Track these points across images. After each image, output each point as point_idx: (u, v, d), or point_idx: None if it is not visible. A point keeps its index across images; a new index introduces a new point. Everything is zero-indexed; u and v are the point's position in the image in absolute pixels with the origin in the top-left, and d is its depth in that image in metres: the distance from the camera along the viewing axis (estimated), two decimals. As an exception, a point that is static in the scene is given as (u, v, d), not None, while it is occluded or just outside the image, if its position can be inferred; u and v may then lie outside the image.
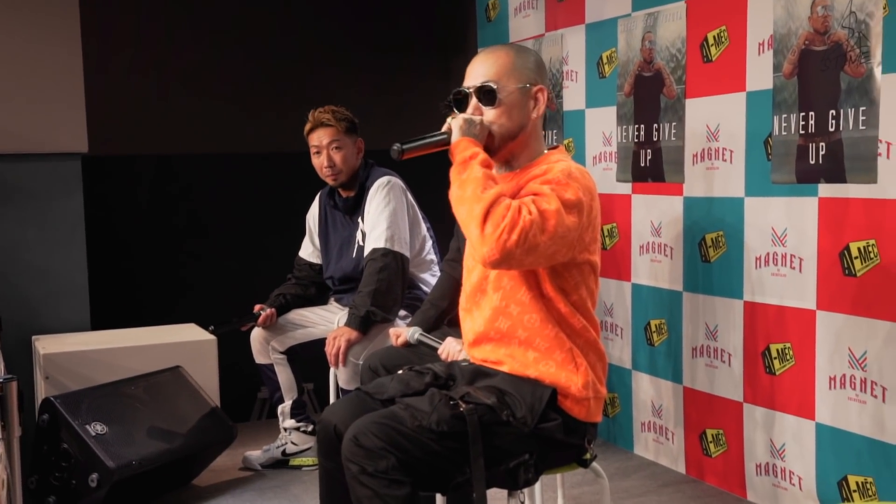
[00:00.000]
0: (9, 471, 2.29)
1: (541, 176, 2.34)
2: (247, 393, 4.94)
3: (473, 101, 2.43)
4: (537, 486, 2.89)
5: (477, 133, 2.39)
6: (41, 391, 3.80)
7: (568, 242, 2.29)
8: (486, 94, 2.41)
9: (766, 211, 3.32)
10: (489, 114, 2.42)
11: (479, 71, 2.44)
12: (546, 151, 2.49)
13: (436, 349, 3.09)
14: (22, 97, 4.20)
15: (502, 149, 2.45)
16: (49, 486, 3.38)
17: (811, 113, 3.10)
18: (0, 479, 2.29)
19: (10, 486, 2.23)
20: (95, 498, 3.31)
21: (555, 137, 4.38)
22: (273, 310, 3.87)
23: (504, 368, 2.42)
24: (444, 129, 2.42)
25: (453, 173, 2.34)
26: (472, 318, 2.51)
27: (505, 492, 2.46)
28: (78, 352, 3.89)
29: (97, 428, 3.37)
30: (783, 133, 3.21)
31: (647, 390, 3.97)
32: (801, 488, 3.24)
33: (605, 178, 4.04)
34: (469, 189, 2.27)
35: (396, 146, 2.41)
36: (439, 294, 3.40)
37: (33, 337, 4.18)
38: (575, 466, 2.51)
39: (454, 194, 2.32)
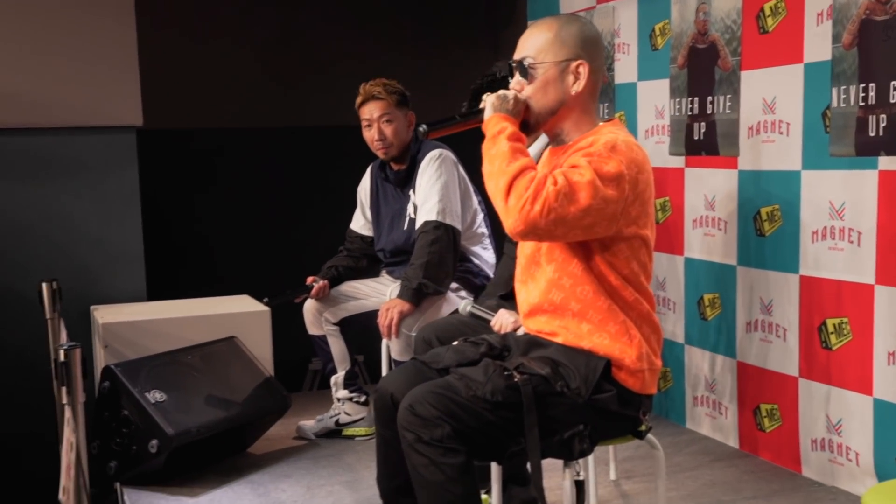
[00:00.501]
0: (77, 434, 2.35)
1: (584, 148, 2.34)
2: (298, 364, 5.01)
3: (516, 75, 2.45)
4: (590, 458, 2.91)
5: (510, 108, 2.40)
6: (100, 360, 3.88)
7: (607, 216, 2.28)
8: (522, 70, 2.43)
9: (823, 184, 3.28)
10: (526, 89, 2.44)
11: (522, 45, 2.46)
12: (600, 124, 2.48)
13: (488, 321, 3.10)
14: (78, 71, 4.27)
15: (543, 123, 2.46)
16: (110, 451, 3.46)
17: (871, 84, 3.05)
18: (70, 442, 2.35)
19: (78, 449, 2.29)
20: (155, 463, 3.38)
21: (606, 111, 4.35)
22: (326, 282, 3.91)
23: (558, 340, 2.43)
24: (480, 105, 2.45)
25: (483, 149, 2.38)
26: (526, 289, 2.52)
27: (560, 462, 2.47)
28: (135, 321, 3.97)
29: (156, 395, 3.44)
30: (842, 105, 3.16)
31: (700, 365, 3.95)
32: (858, 464, 3.22)
33: (658, 151, 4.01)
34: (496, 163, 2.30)
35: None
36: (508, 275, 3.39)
37: (91, 307, 4.27)
38: (630, 438, 2.51)
39: (484, 169, 2.36)
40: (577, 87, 2.42)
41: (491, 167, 2.31)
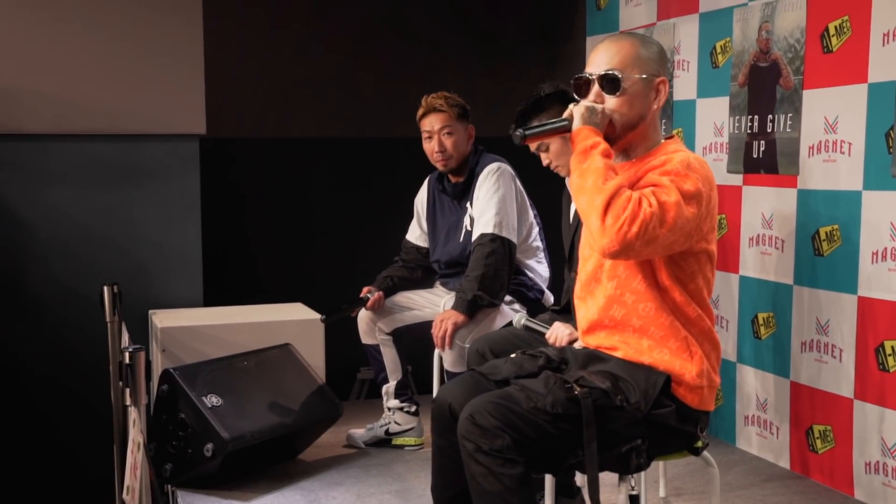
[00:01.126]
0: (144, 433, 2.40)
1: (660, 167, 2.35)
2: (347, 373, 5.05)
3: (595, 87, 2.44)
4: (643, 474, 2.90)
5: (598, 121, 2.40)
6: (157, 363, 3.94)
7: (686, 233, 2.31)
8: (610, 82, 2.42)
9: (884, 205, 3.26)
10: (611, 102, 2.43)
11: (603, 58, 2.45)
12: (662, 141, 2.50)
13: (543, 334, 3.12)
14: (144, 80, 4.37)
15: (622, 138, 2.46)
16: (166, 453, 3.51)
17: (937, 106, 3.03)
18: (136, 443, 2.40)
19: (144, 449, 2.34)
20: (210, 467, 3.43)
21: (664, 127, 4.35)
22: (381, 293, 3.94)
23: (618, 354, 2.44)
24: (565, 114, 2.44)
25: (574, 162, 2.36)
26: (585, 306, 2.54)
27: (612, 477, 2.47)
28: (192, 326, 4.03)
29: (213, 400, 3.49)
30: (906, 126, 3.14)
31: (752, 384, 3.93)
32: (913, 488, 3.19)
33: (716, 168, 4.00)
34: (590, 179, 2.29)
35: (519, 132, 2.44)
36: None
37: (150, 311, 4.34)
38: (686, 454, 2.52)
39: (574, 183, 2.35)
40: (658, 104, 2.46)
41: (583, 182, 2.31)
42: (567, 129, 2.42)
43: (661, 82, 2.45)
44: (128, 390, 2.68)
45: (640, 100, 2.44)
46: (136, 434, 2.47)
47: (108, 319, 3.83)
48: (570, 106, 2.45)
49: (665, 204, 2.26)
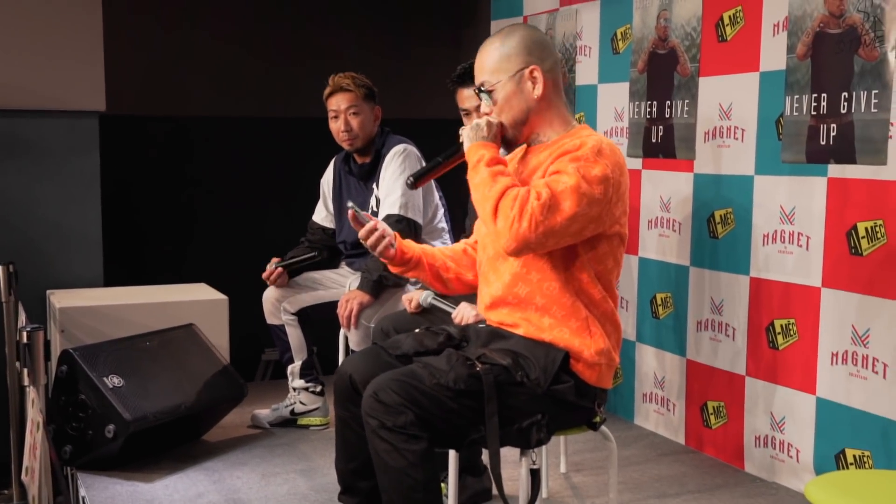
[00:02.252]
0: (43, 414, 2.36)
1: (572, 151, 2.41)
2: (252, 354, 5.03)
3: (482, 100, 2.55)
4: (543, 449, 2.98)
5: (486, 134, 2.50)
6: (56, 344, 3.86)
7: (593, 218, 2.38)
8: (485, 94, 2.53)
9: (775, 189, 3.39)
10: (494, 110, 2.53)
11: (477, 71, 2.56)
12: (575, 125, 2.56)
13: (449, 313, 3.17)
14: (42, 54, 4.25)
15: (521, 133, 2.55)
16: (66, 435, 3.45)
17: (823, 94, 3.17)
18: (35, 423, 2.37)
19: (42, 430, 2.31)
20: (111, 449, 3.39)
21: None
22: (283, 271, 3.92)
23: (519, 331, 2.50)
24: (459, 140, 2.56)
25: (468, 180, 2.47)
26: (488, 283, 2.59)
27: (514, 454, 2.53)
28: (92, 306, 3.97)
29: (114, 380, 3.45)
30: (795, 113, 3.27)
31: (650, 362, 4.05)
32: (798, 460, 3.34)
33: (616, 153, 4.10)
34: (480, 191, 2.41)
35: (409, 180, 2.59)
36: None
37: (48, 291, 4.25)
38: (585, 429, 2.59)
39: (473, 198, 2.46)
40: (538, 91, 2.50)
41: (476, 195, 2.41)
42: (460, 153, 2.54)
43: (532, 71, 2.50)
44: (25, 370, 2.64)
45: (516, 97, 2.50)
46: (34, 414, 2.44)
47: (3, 300, 3.75)
48: (460, 130, 2.55)
49: (559, 193, 2.32)
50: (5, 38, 4.20)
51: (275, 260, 3.91)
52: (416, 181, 2.59)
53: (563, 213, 2.32)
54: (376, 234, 2.61)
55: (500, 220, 2.33)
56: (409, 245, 2.70)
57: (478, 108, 2.74)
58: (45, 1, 4.24)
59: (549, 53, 2.55)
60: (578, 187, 2.33)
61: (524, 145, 2.58)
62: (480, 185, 2.40)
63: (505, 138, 2.54)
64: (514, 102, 2.50)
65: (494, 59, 2.51)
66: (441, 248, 2.79)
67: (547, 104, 2.53)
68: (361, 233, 2.61)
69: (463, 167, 2.52)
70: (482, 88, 2.53)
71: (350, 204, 2.64)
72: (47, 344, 2.60)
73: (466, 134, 2.51)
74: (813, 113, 3.21)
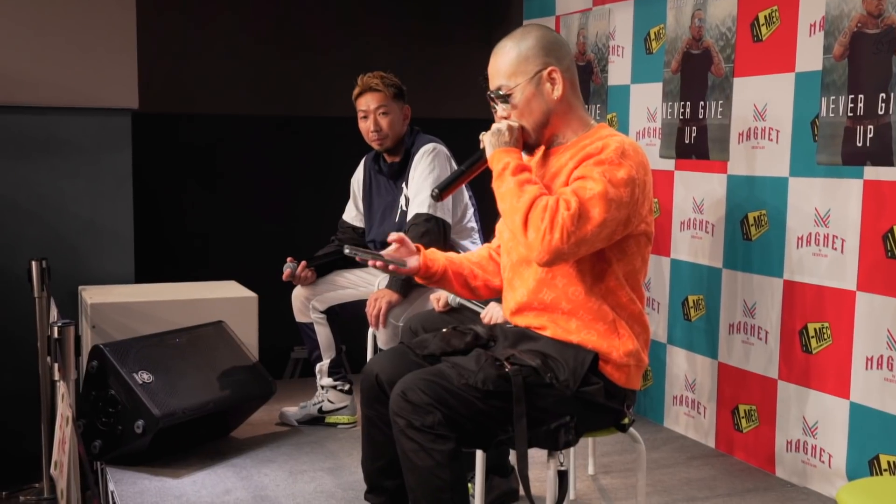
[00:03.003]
0: (73, 409, 2.37)
1: (596, 154, 2.38)
2: (281, 351, 5.04)
3: (499, 104, 2.51)
4: (571, 451, 2.96)
5: (508, 140, 2.47)
6: (87, 339, 3.89)
7: (622, 221, 2.36)
8: (502, 98, 2.49)
9: (809, 192, 3.35)
10: (513, 114, 2.49)
11: (492, 73, 2.52)
12: (594, 124, 2.54)
13: (478, 313, 3.15)
14: (75, 52, 4.29)
15: (543, 135, 2.53)
16: (95, 430, 3.48)
17: (860, 95, 3.12)
18: (64, 417, 2.38)
19: (72, 424, 2.32)
20: (140, 444, 3.40)
21: (599, 112, 4.41)
22: (312, 270, 3.92)
23: (547, 333, 2.48)
24: (480, 146, 2.52)
25: (494, 188, 2.44)
26: (513, 288, 2.57)
27: (542, 455, 2.52)
28: (123, 303, 3.99)
29: (144, 376, 3.46)
30: (830, 115, 3.23)
31: (681, 365, 4.01)
32: (830, 465, 3.29)
33: (649, 153, 4.03)
34: (507, 201, 2.37)
35: (435, 191, 2.56)
36: None
37: (80, 287, 4.28)
38: (613, 431, 2.57)
39: (500, 208, 2.44)
40: (558, 92, 2.48)
41: (504, 205, 2.39)
42: (483, 159, 2.51)
43: (551, 72, 2.46)
44: (56, 365, 2.66)
45: (537, 99, 2.47)
46: (64, 409, 2.45)
47: (36, 295, 3.78)
48: (481, 135, 2.51)
49: (587, 201, 2.30)
50: (39, 35, 4.24)
51: (290, 261, 3.91)
52: (441, 192, 2.56)
53: (594, 221, 2.30)
54: (379, 264, 2.61)
55: (530, 232, 2.31)
56: (435, 258, 2.66)
57: None
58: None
59: (565, 53, 2.52)
60: (606, 193, 2.31)
61: (543, 147, 2.55)
62: (507, 195, 2.37)
63: (526, 142, 2.51)
64: (535, 105, 2.48)
65: (511, 61, 2.47)
66: (467, 256, 2.77)
67: (566, 105, 2.50)
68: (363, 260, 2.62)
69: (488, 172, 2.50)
70: (500, 93, 2.49)
71: (347, 251, 2.60)
72: (78, 339, 2.62)
73: (488, 140, 2.48)
74: (849, 114, 3.16)
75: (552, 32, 2.57)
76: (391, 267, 2.62)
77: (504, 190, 2.39)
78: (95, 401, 3.48)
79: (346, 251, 2.59)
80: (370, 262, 2.61)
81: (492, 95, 2.52)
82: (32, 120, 4.29)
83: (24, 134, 4.30)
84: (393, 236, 2.64)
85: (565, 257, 2.33)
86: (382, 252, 2.67)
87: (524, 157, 2.52)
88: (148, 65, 4.54)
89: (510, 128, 2.47)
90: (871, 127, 3.08)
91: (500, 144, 2.45)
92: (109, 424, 3.46)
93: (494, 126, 2.49)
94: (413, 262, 2.64)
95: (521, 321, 2.54)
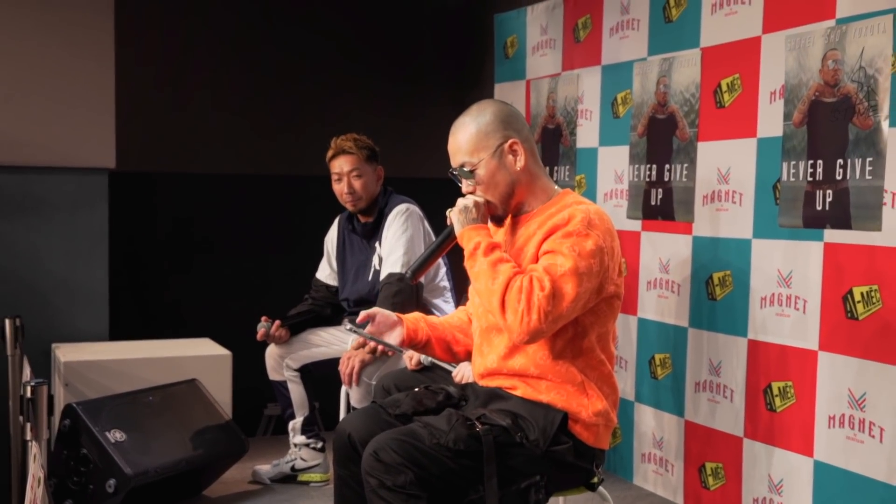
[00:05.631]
0: (45, 469, 2.39)
1: (562, 226, 2.43)
2: (253, 409, 5.05)
3: (463, 180, 2.57)
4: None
5: (475, 216, 2.53)
6: (60, 398, 3.89)
7: (593, 289, 2.42)
8: (467, 175, 2.55)
9: (772, 253, 3.44)
10: (478, 189, 2.55)
11: (453, 153, 2.57)
12: (558, 190, 2.61)
13: (450, 371, 3.20)
14: (54, 112, 4.34)
15: (509, 205, 2.58)
16: (67, 490, 3.47)
17: (819, 161, 3.23)
18: (36, 478, 2.39)
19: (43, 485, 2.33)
20: (112, 503, 3.40)
21: (568, 173, 4.51)
22: (286, 329, 3.96)
23: (517, 393, 2.53)
24: (448, 222, 2.58)
25: (466, 267, 2.50)
26: (482, 354, 2.61)
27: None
28: (97, 361, 4.00)
29: (116, 435, 3.47)
30: (792, 179, 3.33)
31: (649, 422, 4.07)
32: (796, 523, 3.34)
33: (616, 214, 4.16)
34: (481, 281, 2.44)
35: (408, 273, 2.62)
36: None
37: (53, 344, 4.29)
38: (583, 489, 2.61)
39: (473, 286, 2.50)
40: (520, 163, 2.54)
41: (478, 284, 2.45)
42: (452, 237, 2.57)
43: (512, 144, 2.53)
44: (29, 425, 2.66)
45: (501, 172, 2.53)
46: (36, 469, 2.45)
47: (9, 353, 3.77)
48: (448, 212, 2.57)
49: (560, 279, 2.36)
50: (17, 95, 4.29)
51: (264, 320, 3.94)
52: (414, 273, 2.62)
53: (568, 297, 2.36)
54: (380, 348, 2.68)
55: (508, 315, 2.37)
56: (418, 328, 2.70)
57: None
58: (56, 58, 4.34)
59: (522, 124, 2.59)
60: (577, 269, 2.37)
61: (510, 216, 2.61)
62: (482, 276, 2.43)
63: (494, 215, 2.57)
64: (499, 178, 2.53)
65: (472, 137, 2.53)
66: (448, 319, 2.81)
67: (529, 175, 2.56)
68: (355, 343, 2.66)
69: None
70: (464, 169, 2.53)
71: (348, 327, 2.64)
72: (51, 399, 2.63)
73: (455, 217, 2.53)
74: (809, 179, 3.27)
75: (508, 105, 2.63)
76: (390, 352, 2.66)
77: (477, 270, 2.44)
78: (67, 459, 3.48)
79: (347, 328, 2.62)
80: (368, 345, 2.65)
81: (454, 173, 2.57)
82: (9, 178, 4.33)
83: (1, 192, 4.32)
84: (362, 316, 2.66)
85: (544, 335, 2.40)
86: (374, 334, 2.68)
87: (491, 227, 2.58)
88: (124, 125, 4.59)
89: (476, 204, 2.52)
90: (830, 191, 3.19)
91: (469, 222, 2.51)
92: (81, 483, 3.45)
93: (461, 202, 2.54)
94: (396, 334, 2.68)
95: (491, 384, 2.59)
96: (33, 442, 2.63)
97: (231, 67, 5.11)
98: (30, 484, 2.61)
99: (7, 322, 3.79)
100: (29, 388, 2.65)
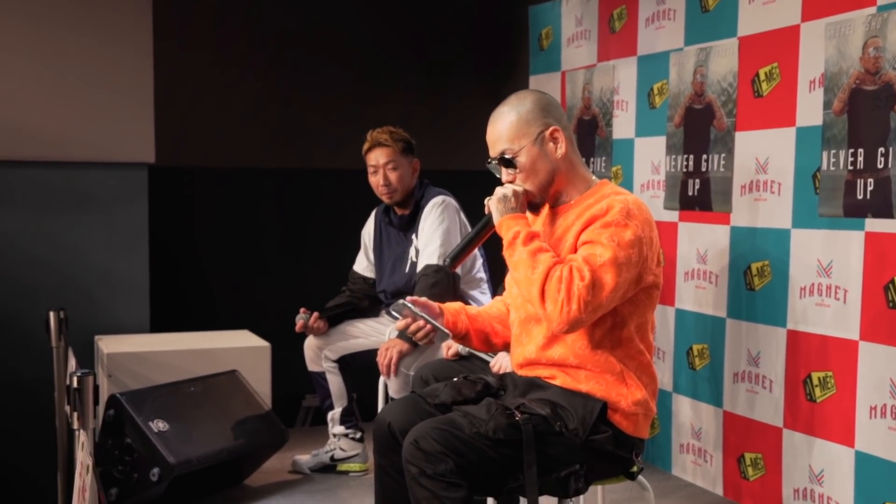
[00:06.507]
0: (92, 458, 2.44)
1: (601, 216, 2.43)
2: (293, 400, 5.10)
3: (502, 169, 2.56)
4: (580, 499, 3.00)
5: (514, 205, 2.52)
6: (103, 389, 3.95)
7: (633, 279, 2.42)
8: (507, 163, 2.54)
9: (812, 243, 3.42)
10: (518, 177, 2.54)
11: (493, 140, 2.56)
12: (596, 180, 2.61)
13: (488, 362, 3.22)
14: (93, 108, 4.41)
15: (548, 194, 2.57)
16: (112, 478, 3.53)
17: (860, 150, 3.21)
18: (85, 465, 2.44)
19: (92, 472, 2.38)
20: (155, 492, 3.45)
21: (604, 165, 4.50)
22: (325, 321, 3.99)
23: (556, 382, 2.54)
24: (486, 211, 2.57)
25: (505, 256, 2.50)
26: (521, 344, 2.62)
27: (554, 500, 2.56)
28: (139, 352, 4.06)
29: (159, 425, 3.52)
30: (832, 168, 3.31)
31: (687, 413, 4.06)
32: (837, 514, 3.33)
33: (653, 205, 4.15)
34: (521, 271, 2.43)
35: (446, 261, 2.59)
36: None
37: (96, 336, 4.36)
38: (622, 478, 2.61)
39: (512, 275, 2.49)
40: (561, 151, 2.54)
41: (517, 274, 2.45)
42: (490, 225, 2.56)
43: (553, 131, 2.53)
44: (76, 414, 2.71)
45: (541, 160, 2.53)
46: (84, 457, 2.51)
47: (53, 345, 3.85)
48: (486, 201, 2.56)
49: (599, 269, 2.36)
50: (56, 91, 4.36)
51: (302, 311, 3.97)
52: (453, 262, 2.60)
53: (608, 287, 2.36)
54: (415, 325, 2.61)
55: (548, 304, 2.36)
56: (458, 320, 2.69)
57: None
58: (96, 55, 4.40)
59: (561, 112, 2.59)
60: (616, 259, 2.37)
61: (548, 206, 2.61)
62: (521, 266, 2.42)
63: (532, 203, 2.57)
64: (540, 166, 2.53)
65: (512, 125, 2.52)
66: (486, 310, 2.80)
67: (569, 163, 2.56)
68: (400, 324, 2.63)
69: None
70: (504, 157, 2.53)
71: (402, 301, 2.58)
72: (96, 389, 2.67)
73: (494, 206, 2.53)
74: (850, 168, 3.24)
75: (546, 94, 2.63)
76: (426, 342, 2.62)
77: (516, 259, 2.44)
78: (112, 449, 3.54)
79: (401, 302, 2.59)
80: (415, 324, 2.59)
81: (493, 162, 2.56)
82: (52, 174, 4.40)
83: (44, 187, 4.40)
84: (411, 301, 2.63)
85: (584, 324, 2.40)
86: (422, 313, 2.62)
87: (530, 217, 2.57)
88: (163, 120, 4.65)
89: (515, 193, 2.52)
90: (872, 180, 3.16)
91: (507, 211, 2.51)
92: (125, 472, 3.51)
93: (499, 191, 2.54)
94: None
95: (530, 374, 2.60)
96: (80, 430, 2.69)
97: (267, 62, 5.15)
98: (78, 471, 2.67)
99: (51, 315, 3.87)
100: (75, 379, 2.71)
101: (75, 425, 2.74)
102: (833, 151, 3.30)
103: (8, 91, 4.30)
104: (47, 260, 4.41)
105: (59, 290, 4.38)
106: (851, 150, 3.23)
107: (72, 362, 3.46)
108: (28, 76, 4.32)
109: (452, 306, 2.72)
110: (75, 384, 2.71)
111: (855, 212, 3.23)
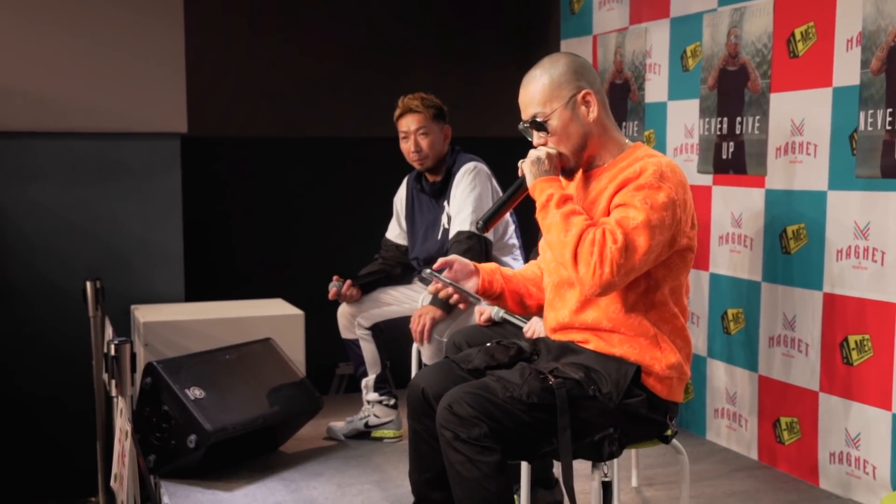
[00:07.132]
0: (131, 424, 2.47)
1: (634, 179, 2.42)
2: (326, 368, 5.14)
3: (534, 132, 2.55)
4: (615, 463, 3.00)
5: (547, 168, 2.50)
6: (140, 357, 4.00)
7: (666, 242, 2.41)
8: (539, 126, 2.52)
9: (848, 205, 3.38)
10: (550, 140, 2.53)
11: (525, 104, 2.55)
12: (629, 144, 2.59)
13: (521, 327, 3.21)
14: (126, 79, 4.43)
15: (581, 158, 2.56)
16: (150, 445, 3.58)
17: (898, 109, 3.15)
18: (124, 431, 2.47)
19: (131, 438, 2.42)
20: (193, 458, 3.50)
21: (636, 129, 4.46)
22: (358, 288, 4.00)
23: (590, 346, 2.53)
24: (519, 174, 2.56)
25: (538, 219, 2.48)
26: (554, 308, 2.61)
27: (586, 466, 2.57)
28: (174, 321, 4.10)
29: (196, 392, 3.56)
30: (869, 128, 3.26)
31: (722, 378, 4.04)
32: (874, 477, 3.30)
33: (686, 169, 4.10)
34: (553, 234, 2.42)
35: (479, 223, 2.59)
36: None
37: (132, 306, 4.41)
38: (657, 442, 2.61)
39: (545, 238, 2.48)
40: (593, 114, 2.52)
41: (550, 237, 2.44)
42: (524, 188, 2.55)
43: (585, 95, 2.50)
44: (114, 382, 2.75)
45: (574, 123, 2.51)
46: (123, 423, 2.55)
47: (91, 314, 3.90)
48: (520, 163, 2.55)
49: (632, 232, 2.34)
50: (89, 63, 4.38)
51: (335, 279, 3.99)
52: (485, 225, 2.60)
53: (641, 250, 2.35)
54: (447, 291, 2.59)
55: (581, 267, 2.35)
56: (493, 279, 2.69)
57: None
58: (128, 26, 4.42)
59: (594, 76, 2.57)
60: (649, 221, 2.35)
61: (582, 170, 2.59)
62: (554, 228, 2.42)
63: (565, 168, 2.55)
64: (572, 129, 2.51)
65: (545, 88, 2.51)
66: (521, 272, 2.80)
67: (601, 127, 2.55)
68: (432, 288, 2.62)
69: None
70: (536, 121, 2.52)
71: (427, 271, 2.59)
72: (134, 356, 2.71)
73: (528, 168, 2.52)
74: (888, 128, 3.19)
75: (580, 57, 2.61)
76: (462, 305, 2.62)
77: (549, 222, 2.43)
78: (149, 416, 3.58)
79: (426, 273, 2.59)
80: (445, 291, 2.60)
81: (526, 125, 2.56)
82: (87, 145, 4.44)
83: (79, 158, 4.44)
84: (440, 262, 2.64)
85: (616, 287, 2.39)
86: (450, 279, 2.63)
87: (563, 181, 2.56)
88: (195, 90, 4.66)
89: (549, 155, 2.51)
90: (909, 140, 3.11)
91: (541, 174, 2.50)
92: (163, 439, 3.56)
93: (533, 154, 2.53)
94: (472, 284, 2.66)
95: (563, 338, 2.60)
96: (119, 398, 2.73)
97: (297, 31, 5.15)
98: (117, 437, 2.71)
99: (88, 284, 3.91)
100: (113, 347, 2.75)
101: (113, 393, 2.79)
102: (871, 111, 3.25)
103: (41, 63, 4.33)
104: (83, 231, 4.46)
105: (95, 260, 4.43)
106: (890, 110, 3.18)
107: (109, 331, 3.50)
108: (60, 48, 4.35)
109: (487, 266, 2.72)
110: (113, 352, 2.76)
111: (893, 173, 3.18)
